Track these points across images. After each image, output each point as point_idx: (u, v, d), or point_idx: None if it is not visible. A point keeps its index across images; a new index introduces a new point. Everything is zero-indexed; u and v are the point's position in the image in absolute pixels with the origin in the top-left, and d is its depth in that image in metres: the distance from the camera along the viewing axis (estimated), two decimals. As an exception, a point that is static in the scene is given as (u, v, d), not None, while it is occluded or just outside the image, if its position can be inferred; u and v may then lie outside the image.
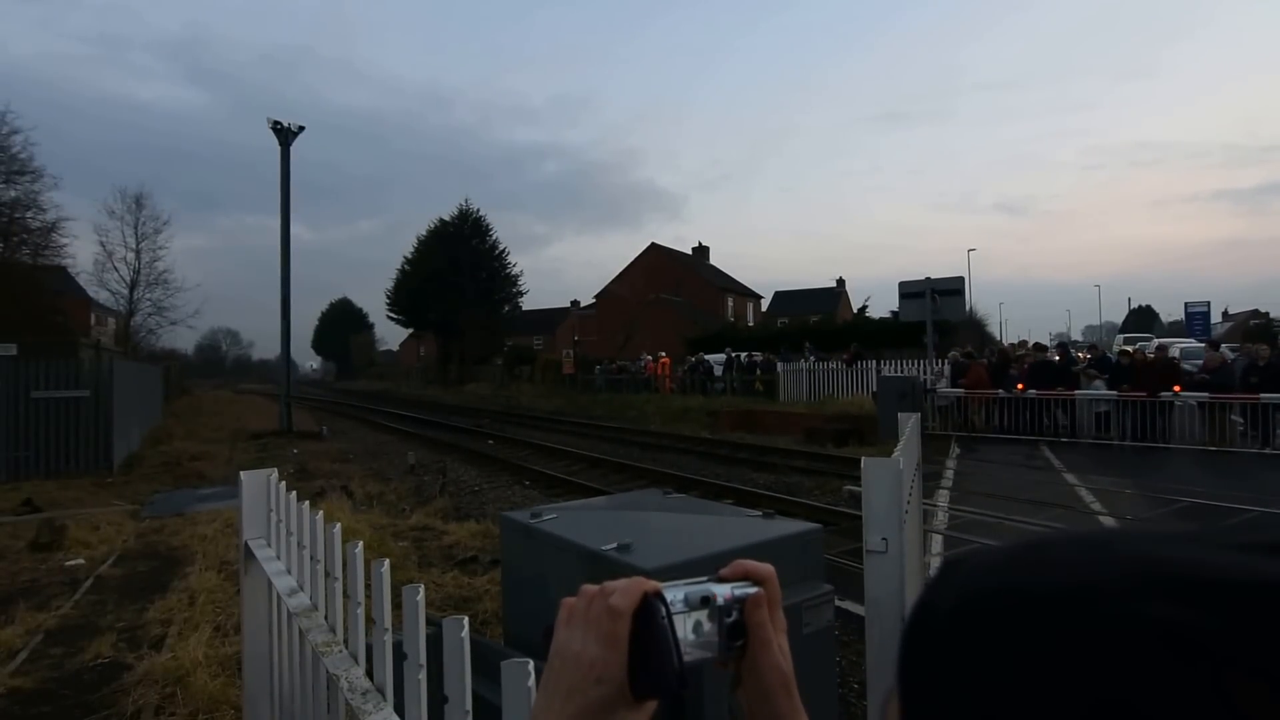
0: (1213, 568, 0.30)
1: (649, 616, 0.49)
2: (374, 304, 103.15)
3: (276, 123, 19.42)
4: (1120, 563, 0.31)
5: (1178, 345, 19.47)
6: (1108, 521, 6.81)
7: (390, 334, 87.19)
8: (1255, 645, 0.27)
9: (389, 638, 1.31)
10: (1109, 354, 15.32)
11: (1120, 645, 0.28)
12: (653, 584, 0.51)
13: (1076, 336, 72.42)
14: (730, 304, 50.85)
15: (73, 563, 6.24)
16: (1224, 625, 0.27)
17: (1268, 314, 32.75)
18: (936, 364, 16.19)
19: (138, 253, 34.65)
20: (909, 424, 3.17)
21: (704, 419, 19.20)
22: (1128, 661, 0.28)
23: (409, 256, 49.36)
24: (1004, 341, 38.33)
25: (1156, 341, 19.16)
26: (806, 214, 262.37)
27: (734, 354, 25.31)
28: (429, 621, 1.27)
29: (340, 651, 1.49)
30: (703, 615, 0.53)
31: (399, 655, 1.20)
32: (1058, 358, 14.42)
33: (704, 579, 0.55)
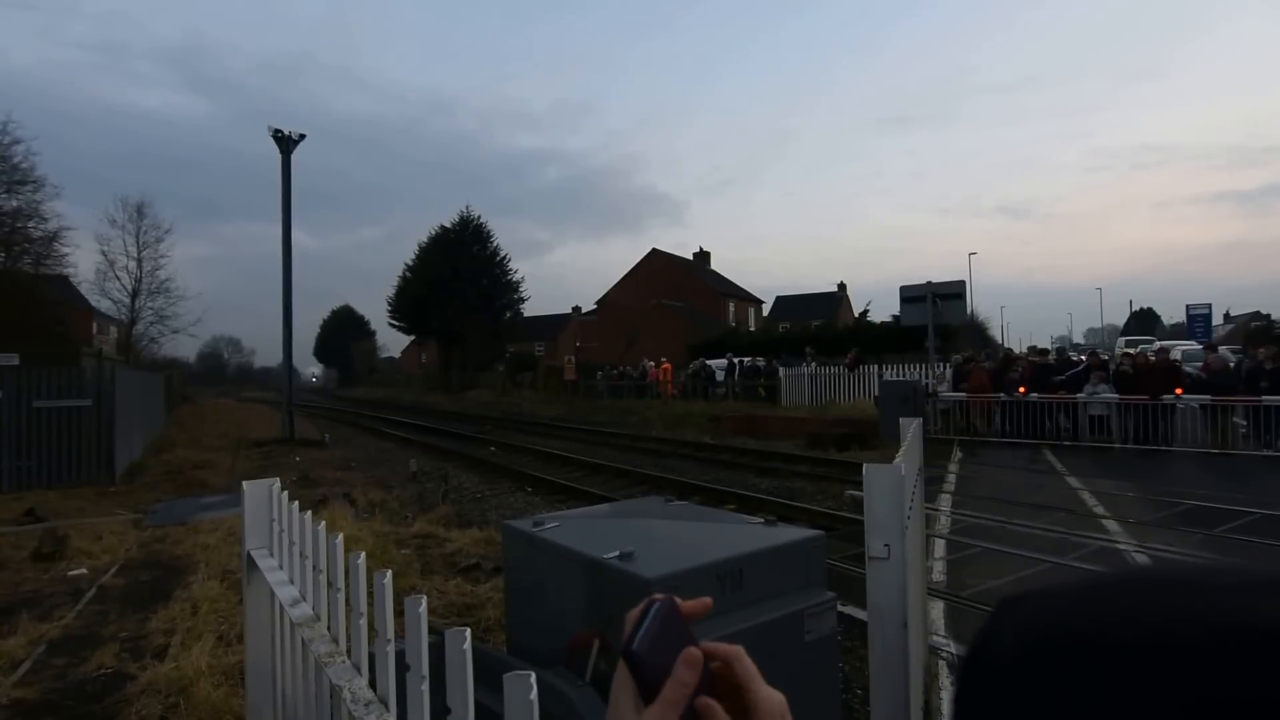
0: None
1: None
2: (376, 311, 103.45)
3: (277, 131, 19.47)
4: (1211, 617, 0.28)
5: (1179, 348, 19.46)
6: (1110, 525, 6.79)
7: (392, 341, 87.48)
8: None
9: (392, 648, 1.31)
10: (1107, 357, 15.31)
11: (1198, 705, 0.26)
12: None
13: (1078, 339, 72.54)
14: (732, 309, 50.83)
15: (75, 572, 6.24)
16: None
17: (1269, 315, 32.68)
18: (939, 368, 16.17)
19: (139, 261, 34.74)
20: (911, 429, 3.17)
21: (706, 424, 19.20)
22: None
23: (410, 264, 49.53)
24: (1005, 345, 38.31)
25: (1158, 344, 19.16)
26: (808, 218, 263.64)
27: (736, 359, 25.30)
28: (431, 630, 1.27)
29: (343, 662, 1.49)
30: None
31: (401, 665, 1.20)
32: (1054, 360, 14.43)
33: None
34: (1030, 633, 0.31)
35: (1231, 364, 12.79)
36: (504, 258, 49.08)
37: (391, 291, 50.55)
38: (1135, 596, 0.30)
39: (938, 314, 14.74)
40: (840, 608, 4.22)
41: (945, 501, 8.07)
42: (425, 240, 49.38)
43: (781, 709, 0.50)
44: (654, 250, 52.56)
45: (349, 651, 1.51)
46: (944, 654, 3.90)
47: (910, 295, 15.20)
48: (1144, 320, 63.26)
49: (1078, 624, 0.30)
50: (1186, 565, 0.33)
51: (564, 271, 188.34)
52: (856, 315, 39.80)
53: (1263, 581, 0.29)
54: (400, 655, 1.22)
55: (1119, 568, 0.37)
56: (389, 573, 1.31)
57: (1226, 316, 41.84)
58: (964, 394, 14.20)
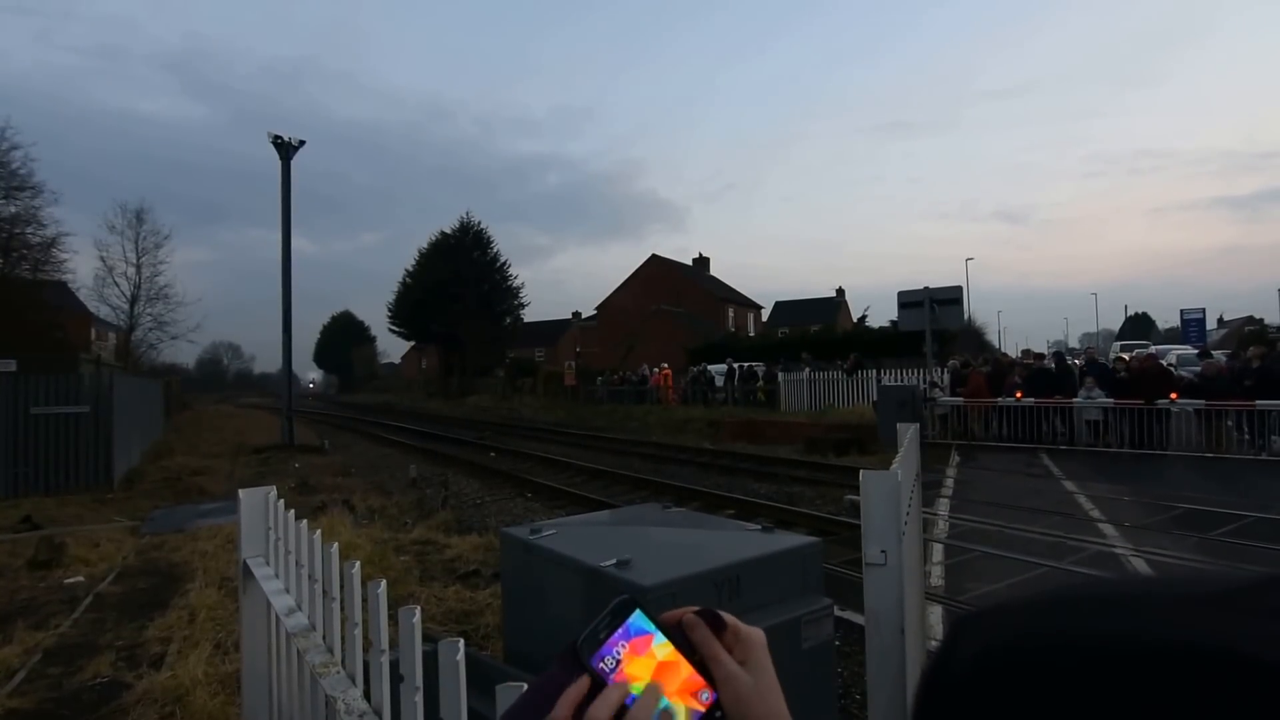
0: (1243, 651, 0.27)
1: None
2: (376, 316, 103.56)
3: (277, 137, 19.50)
4: (1153, 635, 0.28)
5: (1174, 352, 19.50)
6: (1106, 529, 6.79)
7: (392, 346, 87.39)
8: None
9: (386, 659, 1.31)
10: (1100, 359, 15.34)
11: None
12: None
13: (1074, 344, 72.56)
14: (731, 314, 50.88)
15: (72, 580, 6.22)
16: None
17: (1263, 320, 32.83)
18: (937, 372, 16.21)
19: (138, 267, 34.86)
20: (908, 434, 3.18)
21: (705, 429, 19.19)
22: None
23: (411, 269, 49.50)
24: (1002, 349, 38.38)
25: (1151, 348, 19.20)
26: (808, 224, 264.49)
27: (735, 364, 25.30)
28: (428, 638, 1.27)
29: (338, 672, 1.49)
30: None
31: (396, 676, 1.20)
32: (1054, 365, 14.45)
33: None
34: (984, 652, 0.32)
35: (1221, 367, 12.82)
36: (504, 263, 49.11)
37: (392, 297, 50.58)
38: (1086, 615, 0.31)
39: (935, 319, 14.79)
40: (839, 613, 4.22)
41: (943, 506, 8.07)
42: (426, 246, 49.36)
43: (764, 640, 0.50)
44: (654, 256, 52.61)
45: (344, 662, 1.51)
46: (942, 660, 3.88)
47: (908, 300, 15.26)
48: (1139, 325, 63.38)
49: (1029, 644, 0.31)
50: (1140, 580, 0.34)
51: (564, 277, 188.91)
52: (855, 320, 39.83)
53: (1208, 596, 0.30)
54: (395, 665, 1.22)
55: (1077, 581, 0.37)
56: (383, 582, 1.31)
57: (1220, 321, 41.99)
58: (961, 399, 14.22)
